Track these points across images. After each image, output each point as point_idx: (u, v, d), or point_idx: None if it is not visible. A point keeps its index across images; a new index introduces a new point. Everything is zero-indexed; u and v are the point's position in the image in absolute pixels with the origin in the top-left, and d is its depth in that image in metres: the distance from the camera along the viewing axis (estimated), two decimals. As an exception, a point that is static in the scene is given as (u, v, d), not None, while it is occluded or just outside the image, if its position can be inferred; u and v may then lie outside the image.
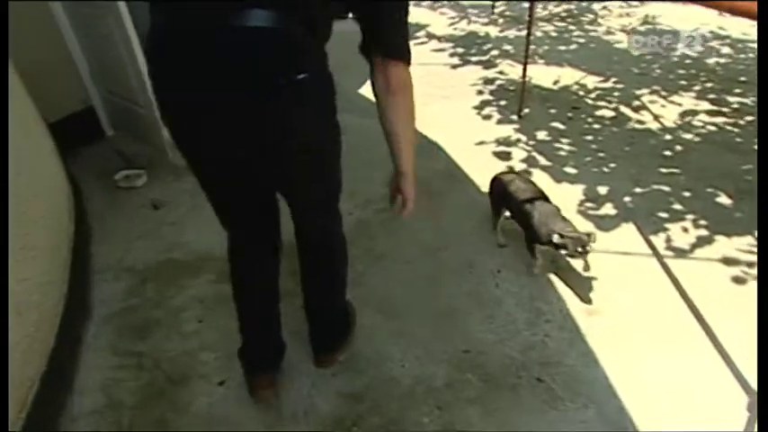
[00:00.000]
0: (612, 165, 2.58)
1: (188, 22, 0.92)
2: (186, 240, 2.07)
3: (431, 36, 4.67)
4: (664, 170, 2.54)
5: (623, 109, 3.20)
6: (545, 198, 1.87)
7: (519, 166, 2.55)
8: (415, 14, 5.36)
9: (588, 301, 1.74)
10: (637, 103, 3.29)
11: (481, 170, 2.46)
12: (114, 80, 2.64)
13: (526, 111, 3.10)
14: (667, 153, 2.70)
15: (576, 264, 1.76)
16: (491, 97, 3.38)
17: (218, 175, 1.15)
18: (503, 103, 3.29)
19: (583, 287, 1.78)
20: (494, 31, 4.76)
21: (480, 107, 3.25)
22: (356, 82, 3.34)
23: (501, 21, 5.06)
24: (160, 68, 0.99)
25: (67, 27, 2.58)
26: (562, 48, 4.30)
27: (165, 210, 2.27)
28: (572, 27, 4.85)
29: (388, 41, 1.02)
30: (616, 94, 3.43)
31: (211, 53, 0.91)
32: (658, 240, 2.04)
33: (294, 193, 1.23)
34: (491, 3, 5.29)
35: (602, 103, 3.29)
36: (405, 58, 1.03)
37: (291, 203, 1.27)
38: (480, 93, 3.45)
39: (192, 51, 0.93)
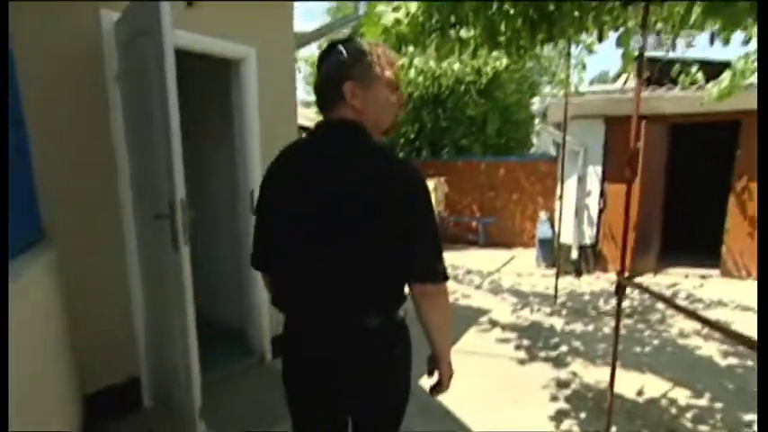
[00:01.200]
0: None
1: (316, 322, 1.25)
2: None
3: (494, 323, 4.69)
4: None
5: (736, 440, 2.70)
6: None
7: None
8: (477, 298, 5.58)
9: None
10: (749, 431, 2.80)
11: None
12: (162, 354, 2.60)
13: (614, 430, 2.69)
14: None
15: None
16: (568, 406, 3.03)
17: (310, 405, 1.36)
18: (582, 415, 2.91)
19: None
20: (558, 323, 4.71)
21: (557, 418, 2.88)
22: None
23: (564, 312, 5.08)
24: (292, 357, 1.34)
25: (139, 299, 2.66)
26: (637, 349, 4.08)
27: None
28: (641, 325, 4.72)
29: (418, 268, 1.20)
30: (718, 416, 2.97)
31: (335, 345, 1.24)
32: None
33: None
34: (553, 295, 5.45)
35: (706, 429, 2.82)
36: (433, 279, 1.20)
37: None
38: (555, 399, 3.13)
39: (318, 346, 1.25)
